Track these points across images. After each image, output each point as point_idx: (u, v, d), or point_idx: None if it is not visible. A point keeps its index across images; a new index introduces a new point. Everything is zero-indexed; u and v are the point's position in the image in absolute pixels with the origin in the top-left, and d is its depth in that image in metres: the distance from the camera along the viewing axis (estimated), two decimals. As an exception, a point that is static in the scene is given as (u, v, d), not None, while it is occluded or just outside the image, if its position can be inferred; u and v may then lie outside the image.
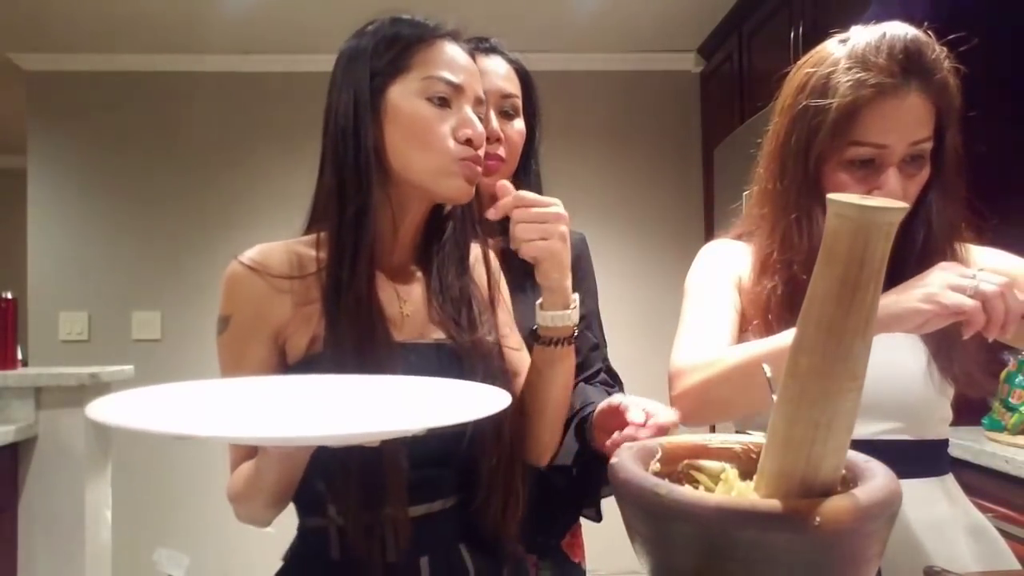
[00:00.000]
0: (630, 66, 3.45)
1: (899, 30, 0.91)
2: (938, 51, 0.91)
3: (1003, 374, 1.67)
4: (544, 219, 0.84)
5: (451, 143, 0.84)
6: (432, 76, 0.84)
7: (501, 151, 1.11)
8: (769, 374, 0.68)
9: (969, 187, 0.97)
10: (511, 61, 1.16)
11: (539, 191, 1.14)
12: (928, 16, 0.98)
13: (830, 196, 0.43)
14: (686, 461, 0.61)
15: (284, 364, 0.86)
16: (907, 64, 0.89)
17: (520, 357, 0.97)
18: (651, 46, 3.36)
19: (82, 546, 2.18)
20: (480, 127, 0.87)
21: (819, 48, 0.97)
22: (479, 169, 0.87)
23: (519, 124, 1.15)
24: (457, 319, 0.90)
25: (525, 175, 1.18)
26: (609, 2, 2.92)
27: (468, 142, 0.85)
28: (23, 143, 3.32)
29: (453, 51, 0.87)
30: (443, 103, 0.85)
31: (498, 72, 1.13)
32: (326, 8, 2.85)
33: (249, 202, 3.32)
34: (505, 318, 0.98)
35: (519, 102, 1.15)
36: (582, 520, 1.21)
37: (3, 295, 2.22)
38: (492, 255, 0.98)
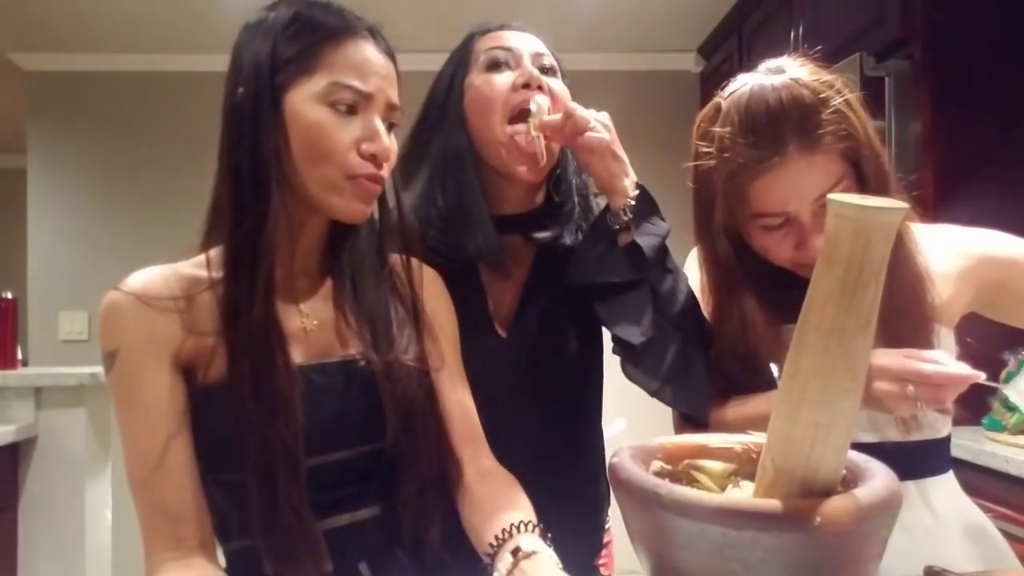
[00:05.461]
0: (630, 66, 3.44)
1: (763, 89, 0.83)
2: (812, 95, 0.82)
3: (1003, 374, 1.66)
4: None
5: (352, 156, 0.77)
6: (338, 82, 0.76)
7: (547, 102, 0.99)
8: (776, 373, 0.69)
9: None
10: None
11: (577, 175, 1.12)
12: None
13: (830, 196, 0.43)
14: (687, 461, 0.61)
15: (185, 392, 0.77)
16: (774, 133, 0.82)
17: (441, 378, 0.87)
18: (651, 46, 3.36)
19: (82, 546, 2.18)
20: (387, 141, 0.79)
21: (700, 118, 0.94)
22: (377, 189, 0.79)
23: (558, 84, 1.03)
24: (372, 335, 0.82)
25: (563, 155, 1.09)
26: (609, 2, 2.92)
27: (372, 157, 0.77)
28: (23, 143, 3.31)
29: (366, 52, 0.78)
30: (349, 110, 0.77)
31: (526, 39, 1.04)
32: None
33: (249, 202, 3.30)
34: (431, 339, 0.87)
35: (553, 61, 1.04)
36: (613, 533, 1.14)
37: (3, 295, 2.22)
38: (416, 266, 0.88)
